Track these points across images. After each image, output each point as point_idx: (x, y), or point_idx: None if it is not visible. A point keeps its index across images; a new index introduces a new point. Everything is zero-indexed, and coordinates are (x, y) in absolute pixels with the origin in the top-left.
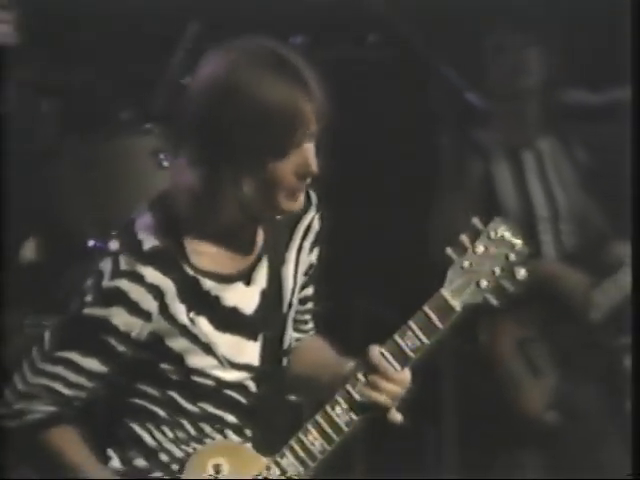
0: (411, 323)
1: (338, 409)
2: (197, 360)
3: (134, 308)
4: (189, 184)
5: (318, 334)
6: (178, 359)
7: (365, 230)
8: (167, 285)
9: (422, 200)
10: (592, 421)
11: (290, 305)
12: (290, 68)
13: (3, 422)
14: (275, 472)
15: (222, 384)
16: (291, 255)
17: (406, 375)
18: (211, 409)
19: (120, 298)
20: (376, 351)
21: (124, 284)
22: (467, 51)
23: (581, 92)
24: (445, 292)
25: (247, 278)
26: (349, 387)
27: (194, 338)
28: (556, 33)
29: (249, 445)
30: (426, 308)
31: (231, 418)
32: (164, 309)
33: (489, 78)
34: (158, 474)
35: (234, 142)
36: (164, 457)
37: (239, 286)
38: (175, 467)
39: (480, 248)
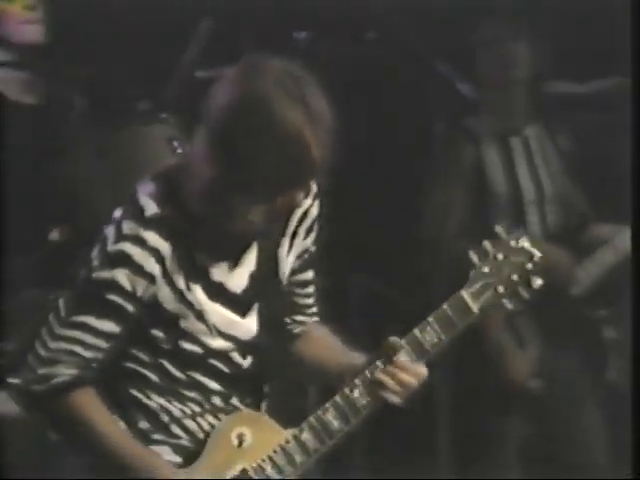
0: (431, 320)
1: (356, 392)
2: (189, 324)
3: (138, 270)
4: (199, 179)
5: (321, 320)
6: (172, 322)
7: (364, 211)
8: (167, 250)
9: (417, 183)
10: (573, 388)
11: (287, 286)
12: (312, 109)
13: (30, 387)
14: (294, 446)
15: (209, 351)
16: (286, 239)
17: (422, 369)
18: (198, 377)
19: (124, 260)
20: (398, 342)
21: (127, 247)
22: (459, 44)
23: (566, 83)
24: (465, 294)
25: (238, 255)
26: (368, 373)
27: (189, 304)
28: (543, 26)
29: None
30: (446, 307)
31: (215, 386)
32: (166, 273)
33: (480, 70)
34: (160, 435)
35: (253, 173)
36: (165, 417)
37: (228, 263)
38: (175, 428)
39: (501, 255)
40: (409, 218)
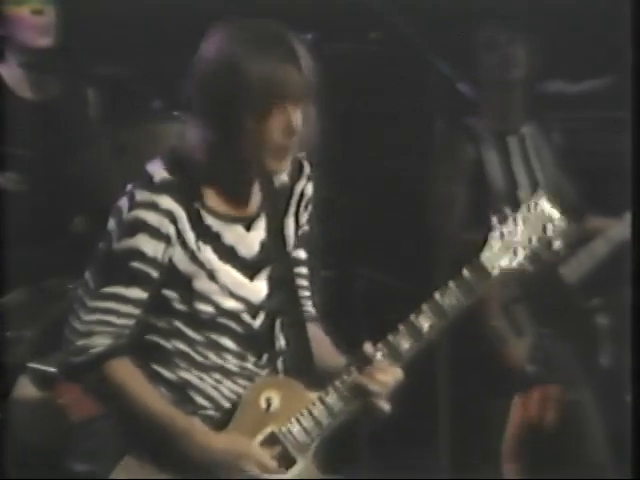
0: (451, 284)
1: (330, 397)
2: (202, 284)
3: (155, 233)
4: (194, 140)
5: (327, 310)
6: (186, 283)
7: (368, 206)
8: (179, 212)
9: (419, 179)
10: (566, 372)
11: (293, 257)
12: (282, 42)
13: (69, 359)
14: (320, 408)
15: (221, 311)
16: (289, 218)
17: (398, 371)
18: (213, 336)
19: (140, 226)
20: (369, 347)
21: (142, 213)
22: (460, 46)
23: (559, 83)
24: (483, 258)
25: (247, 224)
26: (344, 377)
27: (201, 264)
28: (539, 29)
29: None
30: (465, 271)
31: (230, 344)
32: (179, 234)
33: (482, 71)
34: (187, 407)
35: (225, 103)
36: (187, 389)
37: (238, 228)
38: (199, 399)
39: (520, 219)
40: (412, 212)
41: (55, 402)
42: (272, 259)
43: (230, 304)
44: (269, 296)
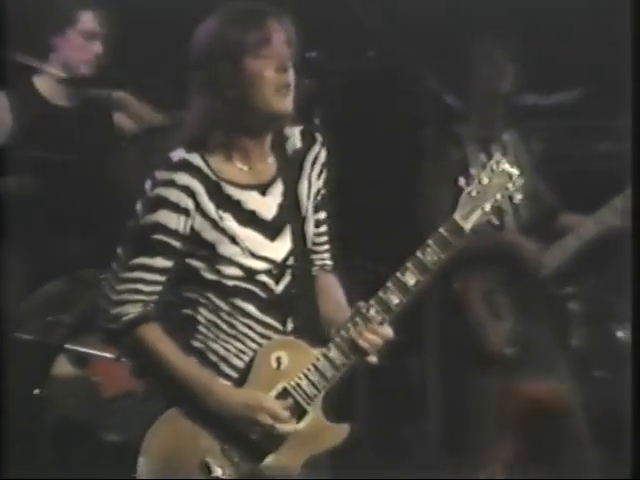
0: (430, 242)
1: (332, 351)
2: (225, 249)
3: (175, 208)
4: (197, 116)
5: (332, 272)
6: (211, 249)
7: (368, 204)
8: (196, 186)
9: (411, 179)
10: (542, 354)
11: (306, 217)
12: (264, 9)
13: (106, 326)
14: (323, 362)
15: (246, 271)
16: (303, 180)
17: (388, 330)
18: (239, 302)
19: (162, 202)
20: (362, 304)
21: (162, 191)
22: (448, 62)
23: (535, 96)
24: (457, 216)
25: (263, 190)
26: (342, 332)
27: (222, 231)
28: (523, 47)
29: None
30: (442, 230)
31: (253, 310)
32: (198, 206)
33: (474, 82)
34: (208, 370)
35: (216, 64)
36: (213, 357)
37: (255, 195)
38: (224, 367)
39: (485, 179)
40: (404, 209)
41: (89, 379)
42: (289, 220)
43: (254, 264)
44: (290, 254)
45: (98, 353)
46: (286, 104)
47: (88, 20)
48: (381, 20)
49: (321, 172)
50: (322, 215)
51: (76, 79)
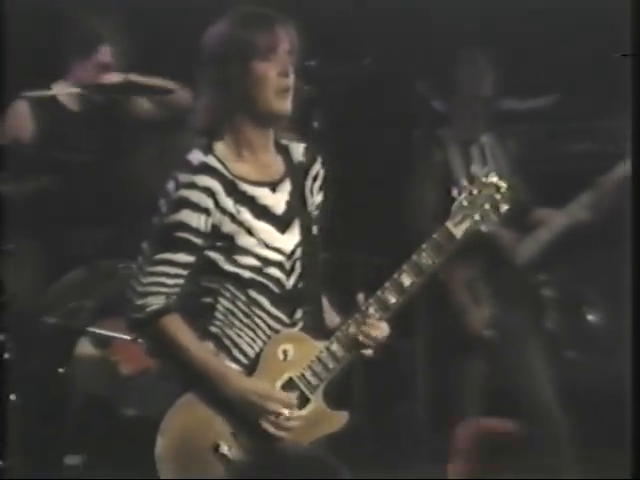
0: (424, 246)
1: (334, 346)
2: (243, 240)
3: (196, 207)
4: (206, 112)
5: (332, 289)
6: (230, 241)
7: (361, 200)
8: (215, 186)
9: (400, 177)
10: (518, 335)
11: (312, 213)
12: (270, 16)
13: (132, 315)
14: (326, 355)
15: (262, 260)
16: (307, 185)
17: (384, 325)
18: (254, 294)
19: (184, 203)
20: (362, 300)
21: (185, 192)
22: (435, 70)
23: (512, 101)
24: (449, 224)
25: (273, 187)
26: (343, 328)
27: (240, 223)
28: (504, 55)
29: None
30: (435, 236)
31: (266, 303)
32: (217, 204)
33: (458, 87)
34: (222, 355)
35: (226, 63)
36: (226, 341)
37: (266, 191)
38: (235, 352)
39: (475, 190)
40: (394, 205)
41: (109, 359)
42: (297, 215)
43: (268, 254)
44: (298, 245)
45: (117, 335)
46: (285, 105)
47: (106, 53)
48: (375, 31)
49: (320, 188)
50: (315, 231)
51: (90, 88)
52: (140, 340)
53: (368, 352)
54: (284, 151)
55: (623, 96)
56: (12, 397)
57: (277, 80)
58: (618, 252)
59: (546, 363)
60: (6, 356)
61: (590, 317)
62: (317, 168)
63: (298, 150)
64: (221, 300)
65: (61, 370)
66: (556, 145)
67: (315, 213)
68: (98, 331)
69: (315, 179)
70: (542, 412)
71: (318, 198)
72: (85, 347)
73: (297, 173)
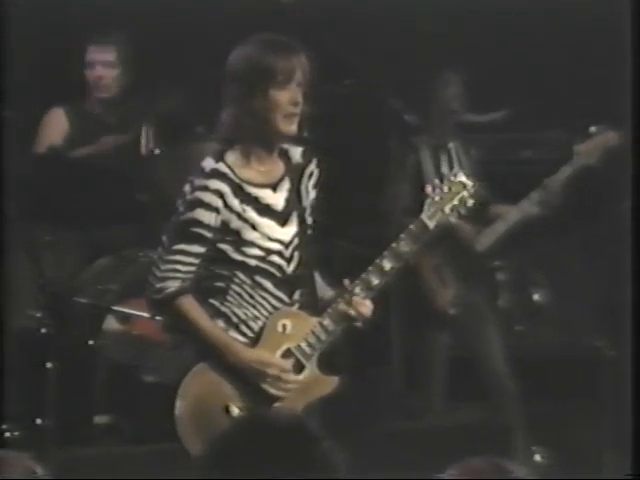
0: (402, 235)
1: (326, 320)
2: (248, 234)
3: (208, 207)
4: (227, 121)
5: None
6: (237, 235)
7: (345, 198)
8: (224, 189)
9: (380, 177)
10: (478, 312)
11: (307, 207)
12: (290, 45)
13: (152, 297)
14: (319, 329)
15: (265, 250)
16: (303, 183)
17: (369, 303)
18: (259, 279)
19: (197, 203)
20: (348, 282)
21: (199, 194)
22: (409, 88)
23: (471, 114)
24: (423, 216)
25: (274, 187)
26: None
27: (245, 220)
28: (470, 74)
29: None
30: (411, 227)
31: (270, 285)
32: (226, 204)
33: (434, 102)
34: (232, 331)
35: (246, 85)
36: (234, 319)
37: (268, 192)
38: (243, 327)
39: (445, 187)
40: (373, 202)
41: (131, 333)
42: (294, 209)
43: (270, 245)
44: (295, 235)
45: (137, 313)
46: (292, 128)
47: (109, 52)
48: (356, 55)
49: (315, 185)
50: (309, 220)
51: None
52: (158, 317)
53: (359, 324)
54: (284, 154)
55: (563, 110)
56: (49, 365)
57: (287, 107)
58: (562, 242)
59: (499, 335)
60: (43, 330)
61: (536, 297)
62: (312, 168)
63: (297, 153)
64: (231, 285)
65: (90, 342)
66: (510, 151)
67: (310, 207)
68: (122, 309)
69: (310, 177)
70: (495, 375)
71: (312, 194)
72: (111, 323)
73: (295, 172)
